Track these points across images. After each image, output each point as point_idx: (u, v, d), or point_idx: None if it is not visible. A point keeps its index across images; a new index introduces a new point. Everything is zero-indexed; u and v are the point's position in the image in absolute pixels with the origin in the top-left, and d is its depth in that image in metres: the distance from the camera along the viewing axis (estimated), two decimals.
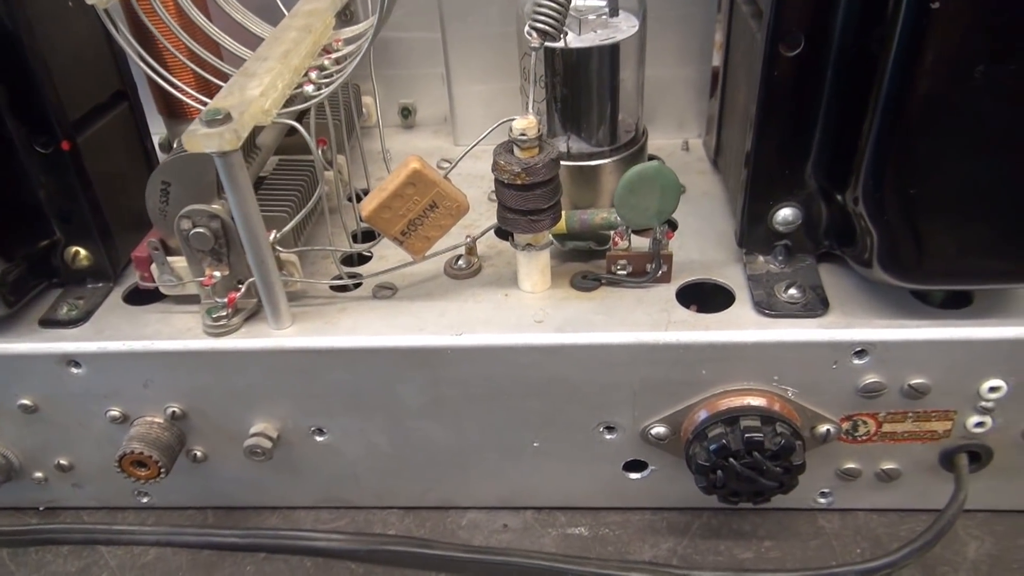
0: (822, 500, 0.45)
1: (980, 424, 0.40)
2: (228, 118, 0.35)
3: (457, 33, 0.55)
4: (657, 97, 0.56)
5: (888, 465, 0.43)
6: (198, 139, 0.34)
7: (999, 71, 0.30)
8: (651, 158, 0.54)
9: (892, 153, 0.33)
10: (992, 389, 0.39)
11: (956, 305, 0.39)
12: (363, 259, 0.48)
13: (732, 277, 0.43)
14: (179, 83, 0.40)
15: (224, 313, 0.41)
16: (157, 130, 0.54)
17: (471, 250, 0.45)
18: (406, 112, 0.61)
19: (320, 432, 0.44)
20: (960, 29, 0.30)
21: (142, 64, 0.39)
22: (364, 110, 0.59)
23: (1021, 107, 0.31)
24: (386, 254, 0.47)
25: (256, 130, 0.47)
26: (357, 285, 0.45)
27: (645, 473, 0.45)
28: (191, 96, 0.40)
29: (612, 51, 0.44)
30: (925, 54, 0.31)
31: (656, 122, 0.57)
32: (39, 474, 0.47)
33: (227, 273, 0.41)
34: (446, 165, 0.56)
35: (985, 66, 0.30)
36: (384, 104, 0.61)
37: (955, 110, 0.31)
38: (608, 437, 0.43)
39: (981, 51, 0.30)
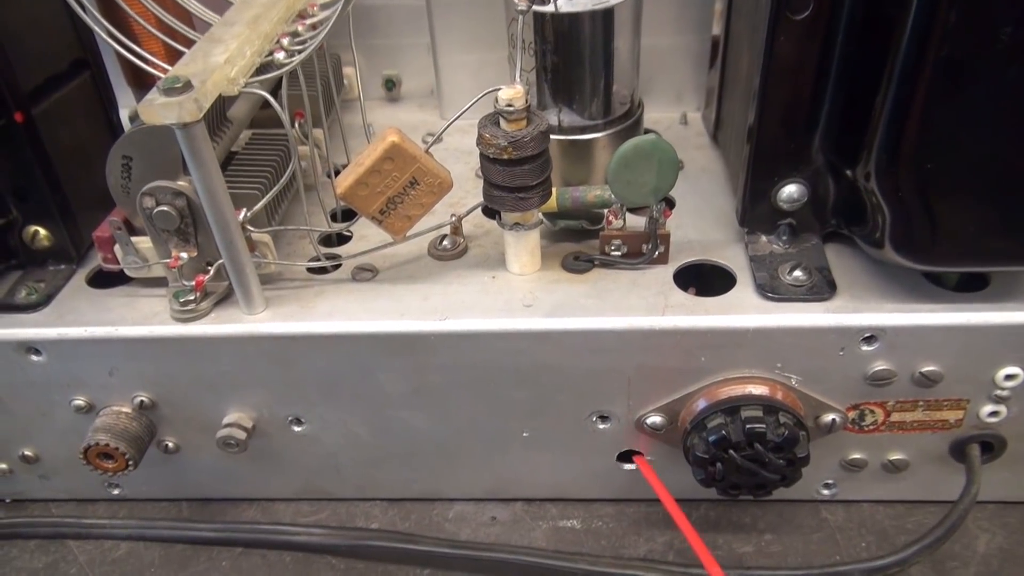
0: (825, 491, 0.43)
1: (994, 413, 0.38)
2: (188, 86, 0.32)
3: None
4: (654, 68, 0.53)
5: (896, 456, 0.41)
6: (155, 109, 0.31)
7: None
8: (647, 132, 0.52)
9: (908, 125, 0.31)
10: (1008, 377, 0.37)
11: (971, 288, 0.37)
12: (343, 239, 0.45)
13: (733, 258, 0.41)
14: (140, 50, 0.37)
15: (192, 297, 0.38)
16: (128, 103, 0.51)
17: (456, 229, 0.43)
18: (390, 84, 0.58)
19: (298, 422, 0.42)
20: None
21: (98, 30, 0.36)
22: (345, 81, 0.56)
23: None
24: (367, 234, 0.44)
25: (227, 102, 0.44)
26: (336, 267, 0.42)
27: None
28: (153, 64, 0.37)
29: (606, 17, 0.41)
30: (947, 15, 0.28)
31: (652, 94, 0.54)
32: (3, 465, 0.45)
33: (195, 254, 0.39)
34: (430, 138, 0.54)
35: (1012, 28, 0.27)
36: (367, 75, 0.58)
37: (978, 77, 0.29)
38: (601, 427, 0.41)
39: (1008, 12, 0.27)
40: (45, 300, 0.41)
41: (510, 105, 0.35)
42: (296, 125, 0.45)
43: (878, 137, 0.32)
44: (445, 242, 0.43)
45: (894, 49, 0.30)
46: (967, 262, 0.35)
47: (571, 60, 0.42)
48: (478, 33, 0.53)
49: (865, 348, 0.36)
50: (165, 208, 0.37)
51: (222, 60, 0.34)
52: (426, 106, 0.58)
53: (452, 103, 0.56)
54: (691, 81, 0.54)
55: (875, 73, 0.32)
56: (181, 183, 0.37)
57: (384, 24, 0.57)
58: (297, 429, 0.42)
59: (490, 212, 0.43)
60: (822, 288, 0.37)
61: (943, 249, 0.34)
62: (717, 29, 0.48)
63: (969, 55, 0.28)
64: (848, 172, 0.36)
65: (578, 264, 0.41)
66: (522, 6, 0.36)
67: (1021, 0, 0.27)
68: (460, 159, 0.51)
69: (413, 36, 0.56)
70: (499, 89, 0.36)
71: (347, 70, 0.56)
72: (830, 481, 0.43)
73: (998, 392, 0.37)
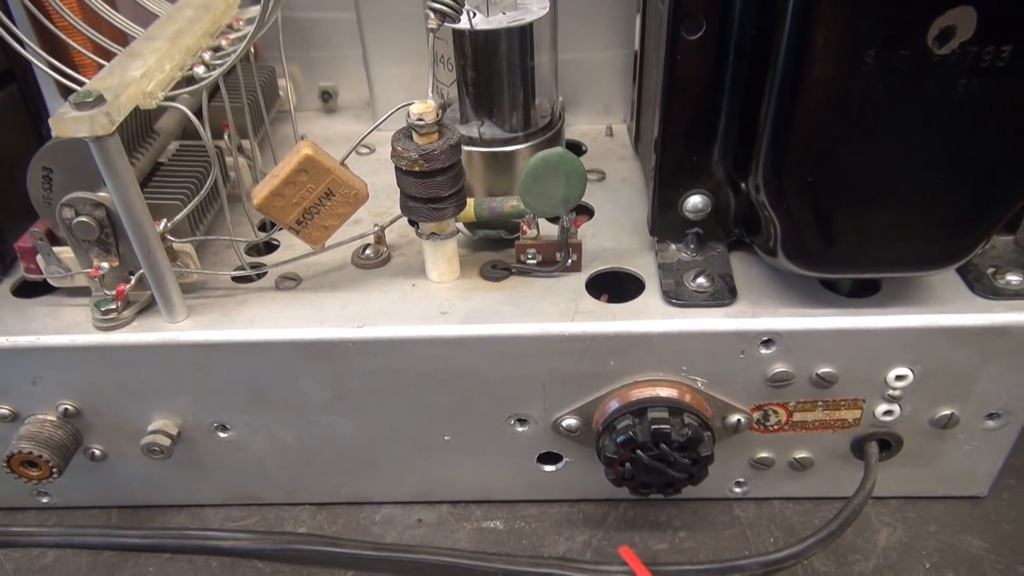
0: (737, 489, 0.45)
1: (888, 412, 0.40)
2: (100, 100, 0.33)
3: (373, 13, 0.53)
4: (582, 80, 0.55)
5: (800, 454, 0.43)
6: (66, 123, 0.32)
7: (889, 56, 0.29)
8: (571, 144, 0.53)
9: (787, 140, 0.33)
10: (899, 377, 0.39)
11: (864, 293, 0.39)
12: (271, 248, 0.46)
13: (644, 266, 0.42)
14: (58, 64, 0.38)
15: (113, 306, 0.39)
16: None
17: (379, 239, 0.44)
18: (326, 96, 0.59)
19: (223, 428, 0.43)
20: (849, 13, 0.29)
21: (14, 44, 0.37)
22: (281, 93, 0.57)
23: (912, 93, 0.30)
24: (294, 243, 0.45)
25: (154, 114, 0.45)
26: (260, 275, 0.43)
27: (559, 465, 0.44)
28: (72, 78, 0.38)
29: (522, 33, 0.42)
30: (815, 38, 0.30)
31: (581, 107, 0.56)
32: None
33: (116, 264, 0.39)
34: (364, 151, 0.55)
35: (875, 51, 0.29)
36: (304, 87, 0.59)
37: (847, 96, 0.31)
38: (520, 430, 0.42)
39: (870, 36, 0.29)
40: None
41: (421, 119, 0.37)
42: (225, 136, 0.46)
43: (763, 151, 0.34)
44: (368, 251, 0.44)
45: (772, 68, 0.32)
46: (853, 269, 0.37)
47: (489, 75, 0.43)
48: (410, 46, 0.54)
49: (764, 351, 0.38)
50: (84, 219, 0.38)
51: (138, 74, 0.35)
52: (362, 117, 0.59)
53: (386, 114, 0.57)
54: (618, 94, 0.56)
55: (760, 91, 0.34)
56: (101, 194, 0.38)
57: (321, 37, 0.58)
58: (223, 435, 0.43)
59: (414, 222, 0.44)
60: (723, 294, 0.39)
61: (830, 257, 0.36)
62: (638, 45, 0.50)
63: (837, 75, 0.30)
64: (743, 184, 0.38)
65: (495, 272, 0.42)
66: (432, 24, 0.37)
67: (881, 26, 0.29)
68: (391, 170, 0.52)
69: (349, 49, 0.57)
70: (412, 103, 0.37)
71: (281, 82, 0.57)
72: (741, 480, 0.44)
73: (890, 392, 0.39)
